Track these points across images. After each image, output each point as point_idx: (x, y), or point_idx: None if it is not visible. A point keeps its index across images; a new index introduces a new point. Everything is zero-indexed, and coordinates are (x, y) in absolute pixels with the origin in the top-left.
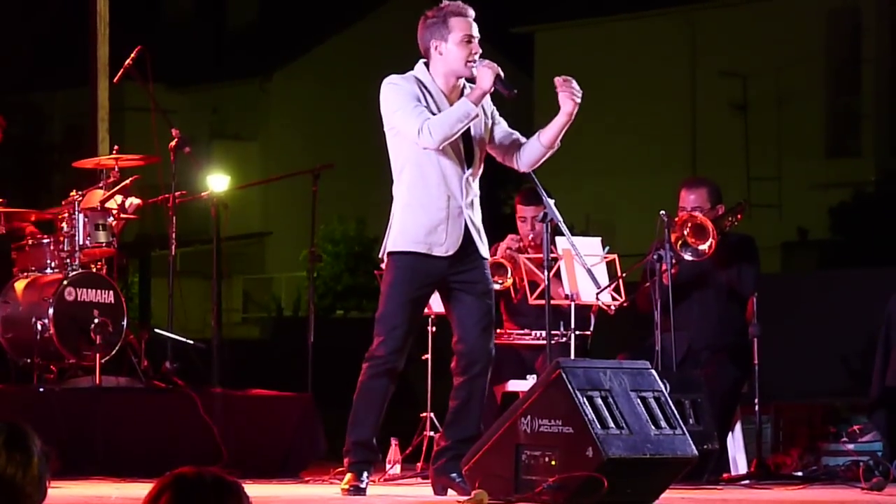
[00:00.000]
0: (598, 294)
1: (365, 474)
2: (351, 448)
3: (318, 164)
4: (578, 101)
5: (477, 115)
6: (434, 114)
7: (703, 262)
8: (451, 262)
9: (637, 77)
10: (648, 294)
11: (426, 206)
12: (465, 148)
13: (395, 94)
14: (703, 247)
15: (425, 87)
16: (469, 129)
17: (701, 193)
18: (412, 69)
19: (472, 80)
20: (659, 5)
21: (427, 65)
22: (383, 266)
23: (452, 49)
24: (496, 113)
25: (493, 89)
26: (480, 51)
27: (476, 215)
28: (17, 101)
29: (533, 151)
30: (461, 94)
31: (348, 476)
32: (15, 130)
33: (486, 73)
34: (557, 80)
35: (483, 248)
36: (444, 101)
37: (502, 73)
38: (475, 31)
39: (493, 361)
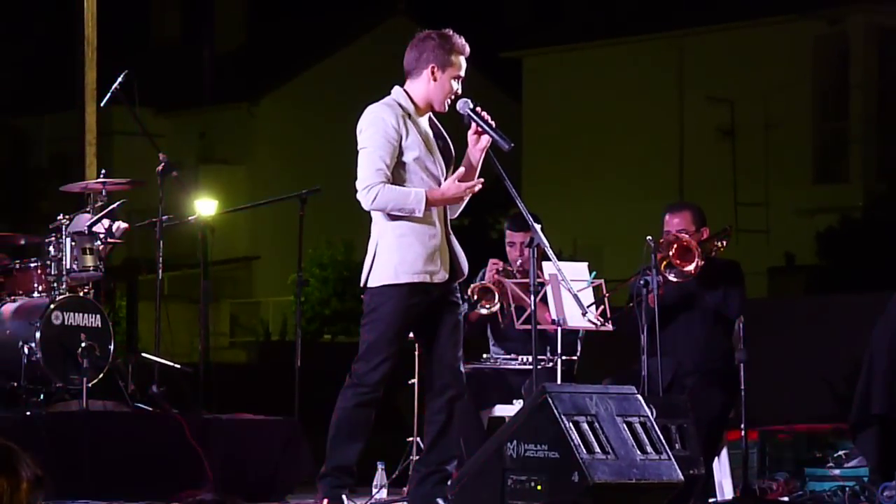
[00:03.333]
0: (584, 314)
1: (345, 498)
2: (331, 473)
3: (305, 188)
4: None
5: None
6: (407, 137)
7: (689, 287)
8: (442, 286)
9: (624, 102)
10: (632, 317)
11: (421, 235)
12: (446, 176)
13: (373, 131)
14: (689, 268)
15: (406, 112)
16: (448, 153)
17: (685, 216)
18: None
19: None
20: (647, 31)
21: (405, 85)
22: (368, 294)
23: (445, 82)
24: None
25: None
26: (461, 90)
27: (453, 236)
28: (3, 125)
29: None
30: (430, 119)
31: (327, 501)
32: (1, 155)
33: (456, 194)
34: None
35: (464, 265)
36: (419, 121)
37: (479, 185)
38: (464, 73)
39: (463, 377)
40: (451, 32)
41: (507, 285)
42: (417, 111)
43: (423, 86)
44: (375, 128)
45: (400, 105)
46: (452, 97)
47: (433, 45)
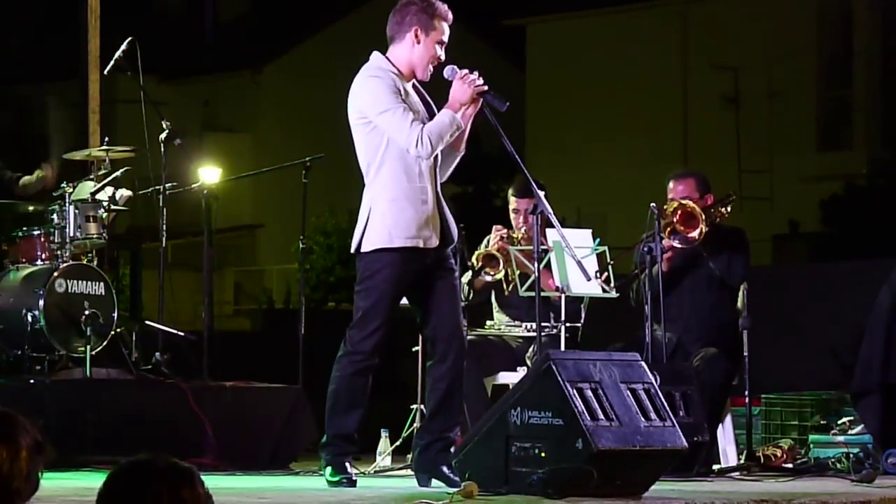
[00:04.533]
0: (589, 279)
1: (348, 465)
2: (332, 442)
3: (309, 156)
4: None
5: (462, 126)
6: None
7: (694, 254)
8: (435, 251)
9: (628, 70)
10: (637, 286)
11: (413, 199)
12: None
13: (380, 91)
14: (693, 234)
15: (395, 75)
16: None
17: (689, 184)
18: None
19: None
20: None
21: (388, 52)
22: (362, 259)
23: (427, 45)
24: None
25: (467, 102)
26: (444, 57)
27: (443, 200)
28: (5, 93)
29: (447, 160)
30: (413, 86)
31: (331, 469)
32: (4, 122)
33: (466, 89)
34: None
35: (454, 231)
36: (408, 86)
37: (486, 88)
38: (447, 39)
39: (465, 342)
40: None
41: (511, 253)
42: (402, 77)
43: (406, 50)
44: (380, 87)
45: (386, 69)
46: (435, 63)
47: (416, 10)
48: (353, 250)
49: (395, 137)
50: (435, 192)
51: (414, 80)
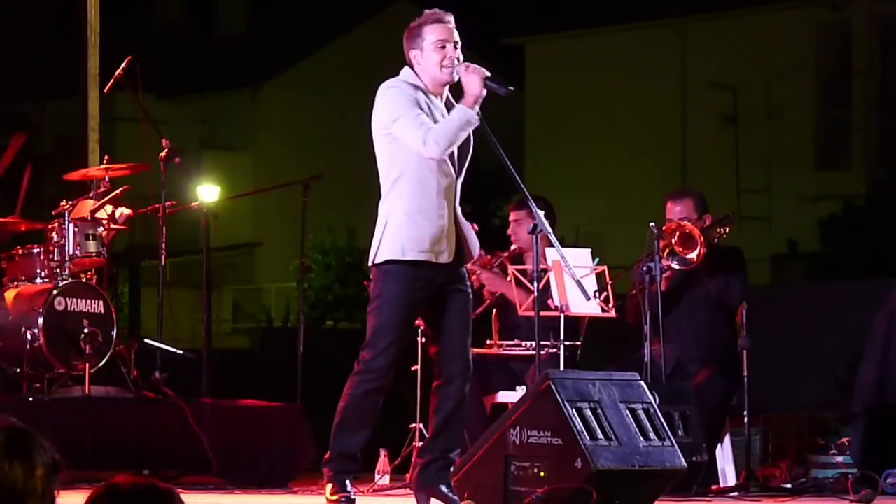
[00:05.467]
0: (588, 299)
1: (348, 483)
2: (335, 458)
3: (308, 174)
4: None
5: (477, 122)
6: (431, 115)
7: (691, 274)
8: (448, 268)
9: (627, 89)
10: (636, 306)
11: (429, 213)
12: (457, 153)
13: (396, 100)
14: (691, 255)
15: (419, 89)
16: (465, 140)
17: (687, 204)
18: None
19: (455, 85)
20: (649, 17)
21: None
22: (375, 273)
23: (428, 55)
24: None
25: (485, 93)
26: (458, 54)
27: (461, 217)
28: (5, 111)
29: None
30: (447, 101)
31: (331, 486)
32: (3, 140)
33: (474, 79)
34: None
35: (473, 247)
36: (436, 101)
37: (489, 74)
38: (453, 36)
39: (471, 365)
40: (425, 11)
41: (510, 271)
42: (427, 91)
43: (419, 69)
44: (397, 97)
45: (409, 82)
46: (450, 63)
47: (406, 35)
48: (369, 263)
49: (409, 142)
50: (452, 208)
51: (448, 96)
